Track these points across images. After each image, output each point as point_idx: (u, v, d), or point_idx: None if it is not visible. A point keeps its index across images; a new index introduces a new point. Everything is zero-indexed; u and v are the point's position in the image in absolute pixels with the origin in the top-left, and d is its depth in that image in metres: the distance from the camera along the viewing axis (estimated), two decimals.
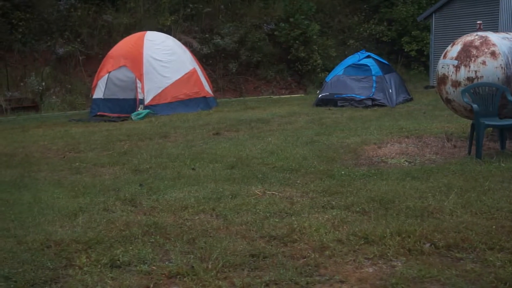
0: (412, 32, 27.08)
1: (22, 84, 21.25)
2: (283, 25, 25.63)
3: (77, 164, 9.32)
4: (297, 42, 25.32)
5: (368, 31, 28.07)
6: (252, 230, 5.50)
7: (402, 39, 27.40)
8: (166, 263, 4.77)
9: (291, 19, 25.47)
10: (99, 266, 4.72)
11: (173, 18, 24.44)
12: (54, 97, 20.94)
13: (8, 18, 22.57)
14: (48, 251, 5.14)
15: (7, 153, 10.68)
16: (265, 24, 26.29)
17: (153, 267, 4.66)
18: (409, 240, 5.03)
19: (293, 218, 5.79)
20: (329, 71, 20.44)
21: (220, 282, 4.35)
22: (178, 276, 4.49)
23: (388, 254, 4.79)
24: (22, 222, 6.03)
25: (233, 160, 8.92)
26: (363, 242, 5.06)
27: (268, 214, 5.96)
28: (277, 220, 5.75)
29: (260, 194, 6.80)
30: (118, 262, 4.79)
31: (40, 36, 23.02)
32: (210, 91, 18.18)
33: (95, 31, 23.65)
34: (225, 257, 4.76)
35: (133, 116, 15.71)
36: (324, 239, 5.13)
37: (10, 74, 21.48)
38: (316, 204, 6.33)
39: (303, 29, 25.31)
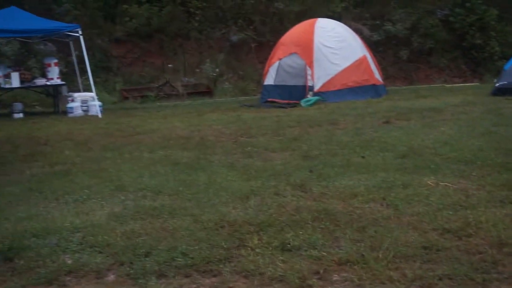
0: None
1: (197, 70, 22.26)
2: (458, 10, 24.60)
3: (249, 148, 9.58)
4: (473, 28, 24.21)
5: None
6: (424, 221, 5.34)
7: None
8: (336, 249, 4.76)
9: (467, 4, 24.38)
10: (270, 248, 4.83)
11: (343, 5, 24.31)
12: (227, 83, 21.70)
13: (186, 7, 23.68)
14: (222, 231, 5.34)
15: (184, 136, 11.23)
16: (438, 10, 25.39)
17: (323, 253, 4.68)
18: None
19: (468, 212, 5.54)
20: (508, 59, 19.32)
21: (391, 273, 4.27)
22: (348, 264, 4.47)
23: None
24: (198, 201, 6.32)
25: (404, 149, 8.72)
26: None
27: (441, 206, 5.76)
28: (451, 213, 5.55)
29: (433, 185, 6.58)
30: (288, 245, 4.86)
31: (215, 24, 23.91)
32: (380, 79, 17.89)
33: (267, 19, 24.13)
34: (396, 248, 4.67)
35: (302, 102, 15.86)
36: (503, 235, 4.86)
37: (187, 60, 22.57)
38: (494, 198, 6.01)
39: (479, 15, 24.15)
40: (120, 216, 5.89)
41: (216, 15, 23.96)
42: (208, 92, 21.05)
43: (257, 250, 4.80)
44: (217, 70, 21.83)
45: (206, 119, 13.93)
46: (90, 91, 16.42)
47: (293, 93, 16.64)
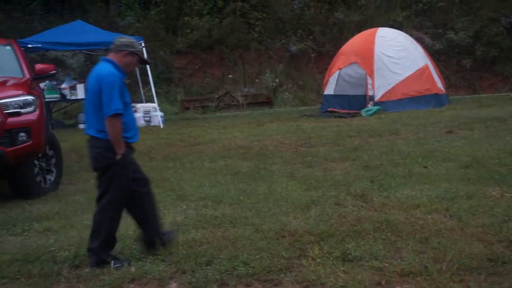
0: None
1: (257, 80, 22.38)
2: None
3: (309, 158, 9.57)
4: None
5: None
6: (489, 233, 5.23)
7: None
8: (398, 260, 4.71)
9: None
10: (331, 258, 4.81)
11: (404, 14, 24.06)
12: (286, 93, 21.74)
13: (246, 18, 23.89)
14: (282, 240, 5.36)
15: (244, 146, 11.30)
16: (503, 17, 24.80)
17: (385, 264, 4.63)
18: None
19: None
20: None
21: (455, 285, 4.20)
22: (411, 275, 4.42)
23: None
24: (259, 211, 6.34)
25: (468, 159, 8.54)
26: None
27: (506, 218, 5.62)
28: None
29: (498, 196, 6.43)
30: (349, 256, 4.83)
31: (275, 35, 24.03)
32: (442, 88, 17.58)
33: (327, 29, 24.09)
34: (460, 260, 4.58)
35: (363, 112, 15.75)
36: None
37: (247, 71, 22.73)
38: None
39: None
40: (182, 225, 5.98)
41: (276, 25, 24.07)
42: (267, 102, 21.14)
43: (318, 260, 4.79)
44: (276, 80, 21.91)
45: (266, 129, 13.97)
46: (152, 102, 16.71)
47: (353, 103, 16.55)
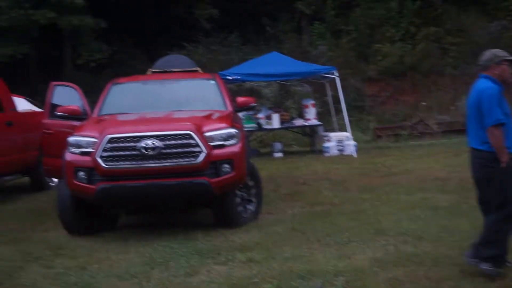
0: None
1: (452, 107, 21.60)
2: None
3: None
4: None
5: None
6: None
7: None
8: None
9: None
10: None
11: None
12: None
13: (440, 44, 23.27)
14: (491, 284, 5.07)
15: (442, 177, 10.91)
16: None
17: None
18: None
19: None
20: None
21: None
22: None
23: None
24: (463, 250, 6.00)
25: None
26: None
27: None
28: None
29: None
30: None
31: (471, 59, 23.09)
32: None
33: None
34: None
35: None
36: None
37: (441, 97, 22.05)
38: None
39: None
40: (382, 261, 5.89)
41: (472, 50, 23.14)
42: (464, 130, 20.18)
43: None
44: None
45: (464, 159, 13.09)
46: (345, 130, 16.73)
47: None
